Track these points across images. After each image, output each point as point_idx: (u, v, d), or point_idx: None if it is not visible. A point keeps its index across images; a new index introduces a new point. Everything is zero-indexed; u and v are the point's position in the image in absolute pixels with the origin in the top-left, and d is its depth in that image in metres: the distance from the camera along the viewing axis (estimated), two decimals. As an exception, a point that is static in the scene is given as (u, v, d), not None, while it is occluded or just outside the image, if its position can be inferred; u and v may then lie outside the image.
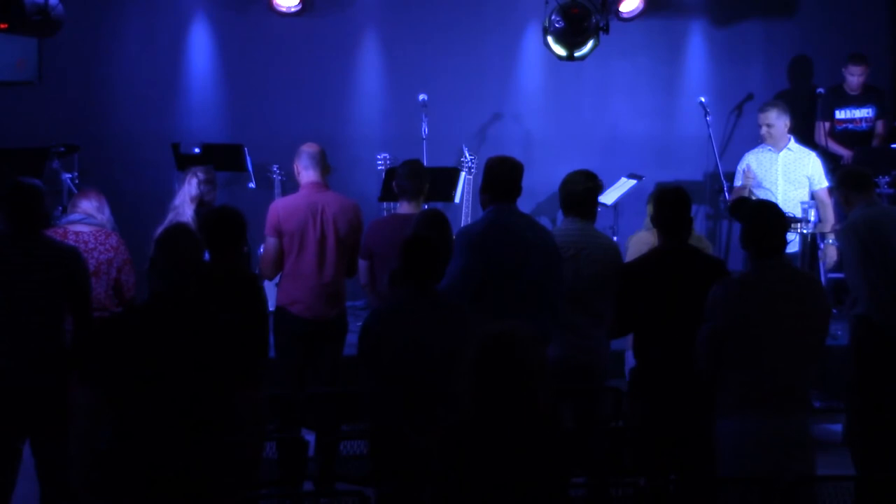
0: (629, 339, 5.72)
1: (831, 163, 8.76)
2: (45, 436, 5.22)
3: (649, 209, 6.73)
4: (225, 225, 5.47)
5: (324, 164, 6.46)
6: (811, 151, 8.49)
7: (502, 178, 5.42)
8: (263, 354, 5.73)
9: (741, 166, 8.49)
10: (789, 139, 8.42)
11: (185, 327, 4.12)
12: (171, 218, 6.65)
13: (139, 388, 4.03)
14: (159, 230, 6.56)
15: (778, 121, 8.31)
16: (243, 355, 4.20)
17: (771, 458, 4.74)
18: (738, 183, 8.49)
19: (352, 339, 6.78)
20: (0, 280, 5.17)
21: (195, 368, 4.07)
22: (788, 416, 4.75)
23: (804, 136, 8.90)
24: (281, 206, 6.41)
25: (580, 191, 5.76)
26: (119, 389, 4.04)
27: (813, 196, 8.24)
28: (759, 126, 8.44)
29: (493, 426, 3.28)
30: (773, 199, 7.44)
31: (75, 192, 7.16)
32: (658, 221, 5.41)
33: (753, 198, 8.20)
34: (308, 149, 6.44)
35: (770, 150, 8.39)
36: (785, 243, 4.99)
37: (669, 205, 5.37)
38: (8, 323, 5.17)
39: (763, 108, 8.47)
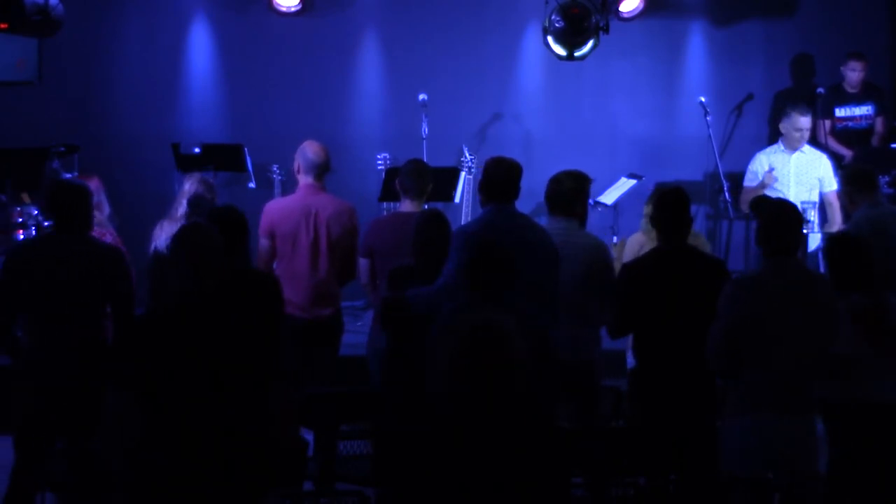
0: (628, 339, 5.72)
1: (834, 162, 8.76)
2: (80, 435, 5.20)
3: (646, 210, 6.74)
4: (231, 224, 5.43)
5: (327, 169, 6.42)
6: (822, 154, 8.49)
7: (496, 179, 5.41)
8: (284, 351, 5.71)
9: (753, 166, 8.45)
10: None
11: (213, 326, 4.12)
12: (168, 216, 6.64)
13: (170, 388, 4.04)
14: (156, 230, 6.56)
15: (809, 125, 8.32)
16: (272, 352, 4.20)
17: (777, 458, 4.75)
18: (752, 183, 8.44)
19: (350, 339, 6.79)
20: (43, 279, 5.20)
21: (225, 367, 4.08)
22: (796, 415, 4.75)
23: (803, 136, 8.92)
24: (275, 209, 6.40)
25: (564, 190, 5.76)
26: (150, 389, 4.04)
27: (822, 198, 8.24)
28: (795, 130, 8.33)
29: (473, 424, 3.22)
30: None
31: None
32: (657, 221, 5.41)
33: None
34: (312, 156, 6.37)
35: (783, 151, 8.38)
36: (798, 243, 4.98)
37: (670, 205, 5.37)
38: (50, 321, 5.20)
39: (803, 113, 8.35)
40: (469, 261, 4.77)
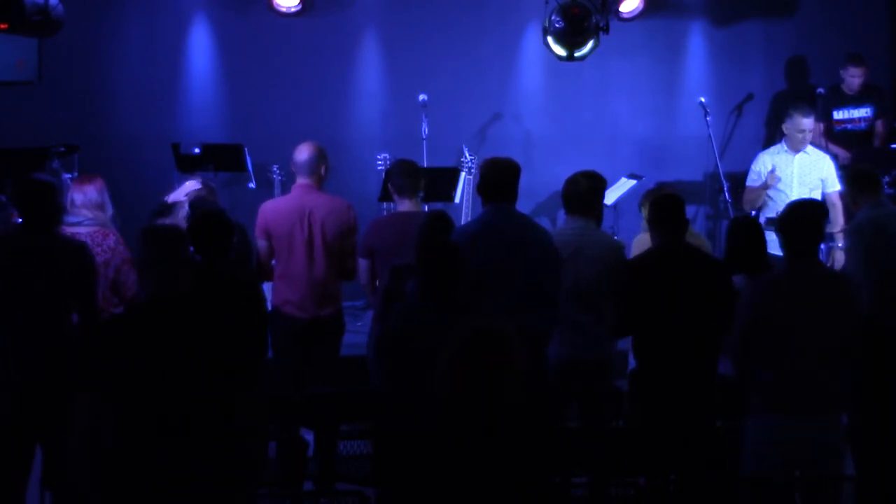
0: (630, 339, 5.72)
1: (836, 163, 8.75)
2: (55, 433, 5.18)
3: (644, 211, 6.74)
4: (213, 225, 5.41)
5: (317, 167, 6.40)
6: (825, 154, 8.49)
7: (491, 179, 5.43)
8: (262, 355, 5.72)
9: (756, 166, 8.44)
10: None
11: (187, 327, 4.11)
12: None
13: (142, 388, 4.02)
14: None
15: (812, 126, 8.31)
16: (243, 356, 4.19)
17: (797, 458, 4.75)
18: (755, 183, 8.43)
19: (350, 339, 6.79)
20: (12, 275, 5.19)
21: (197, 369, 4.06)
22: (817, 416, 4.75)
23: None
24: (269, 209, 6.41)
25: (581, 191, 5.78)
26: (122, 389, 4.03)
27: (825, 199, 8.24)
28: (798, 131, 8.30)
29: (470, 426, 3.23)
30: (786, 201, 7.40)
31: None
32: (654, 224, 5.42)
33: (769, 200, 8.23)
34: (300, 155, 6.38)
35: (787, 151, 8.37)
36: (817, 245, 4.98)
37: (666, 209, 5.38)
38: (19, 318, 5.18)
39: (806, 114, 8.31)
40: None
